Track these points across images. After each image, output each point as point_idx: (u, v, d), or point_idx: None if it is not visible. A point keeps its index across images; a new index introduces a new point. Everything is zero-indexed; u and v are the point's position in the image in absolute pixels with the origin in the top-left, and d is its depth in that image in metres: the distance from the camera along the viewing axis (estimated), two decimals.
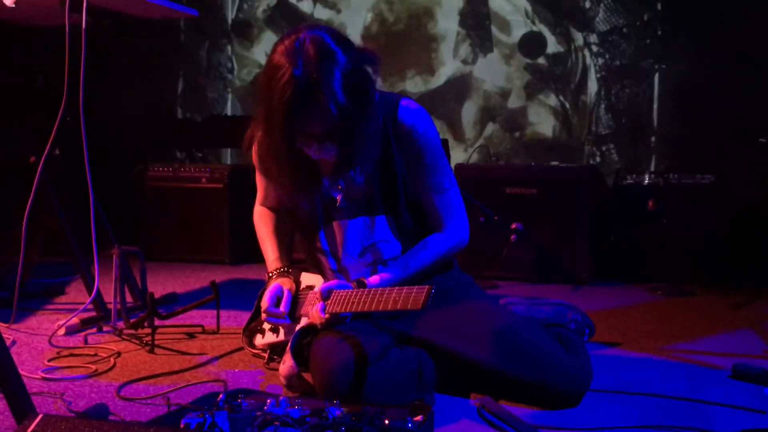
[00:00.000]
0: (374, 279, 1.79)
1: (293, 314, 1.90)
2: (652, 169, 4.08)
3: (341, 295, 1.71)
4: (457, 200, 1.89)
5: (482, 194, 3.45)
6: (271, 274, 1.97)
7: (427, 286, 1.57)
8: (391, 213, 1.86)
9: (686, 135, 3.95)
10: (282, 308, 1.87)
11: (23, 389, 1.47)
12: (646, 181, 3.53)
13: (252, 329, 2.07)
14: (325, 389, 1.65)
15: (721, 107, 3.89)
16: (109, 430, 1.21)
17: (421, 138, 1.81)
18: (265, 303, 1.88)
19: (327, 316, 1.73)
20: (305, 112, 1.60)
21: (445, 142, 4.20)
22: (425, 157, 1.83)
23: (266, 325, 2.00)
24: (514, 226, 3.47)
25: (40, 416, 1.26)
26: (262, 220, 2.09)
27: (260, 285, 2.06)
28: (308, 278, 1.96)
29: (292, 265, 2.02)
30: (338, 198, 1.86)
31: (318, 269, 1.95)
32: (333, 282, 1.78)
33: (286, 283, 1.92)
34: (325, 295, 1.74)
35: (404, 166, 1.83)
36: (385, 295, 1.62)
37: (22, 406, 1.44)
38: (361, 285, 1.76)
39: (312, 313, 1.74)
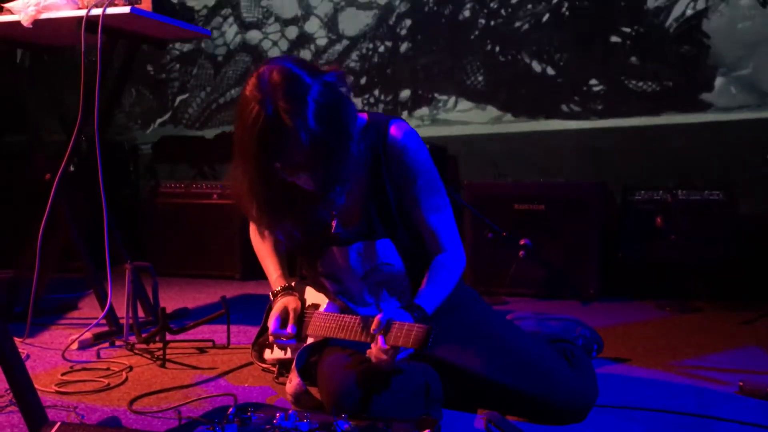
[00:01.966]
0: (421, 301, 1.73)
1: (299, 334, 1.92)
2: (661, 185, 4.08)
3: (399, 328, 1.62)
4: (452, 219, 1.88)
5: (491, 211, 3.47)
6: (275, 293, 1.97)
7: (426, 326, 1.55)
8: (390, 236, 1.84)
9: (695, 151, 3.96)
10: (288, 330, 1.86)
11: (38, 402, 1.50)
12: (655, 198, 3.54)
13: (261, 344, 2.09)
14: (333, 405, 1.66)
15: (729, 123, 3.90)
16: None
17: (412, 160, 1.79)
18: (271, 325, 1.88)
19: (389, 348, 1.61)
20: (277, 142, 1.58)
21: (453, 158, 4.25)
22: (419, 178, 1.81)
23: None
24: (522, 242, 3.48)
25: (57, 424, 1.29)
26: (261, 240, 2.07)
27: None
28: (312, 295, 1.97)
29: (300, 281, 2.04)
30: (333, 224, 1.85)
31: (321, 289, 1.97)
32: (389, 311, 1.68)
33: (291, 303, 1.91)
34: (385, 326, 1.62)
35: (397, 189, 1.81)
36: (405, 330, 1.57)
37: (36, 418, 1.47)
38: (419, 310, 1.69)
39: (375, 353, 1.63)
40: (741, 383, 2.00)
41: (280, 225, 1.80)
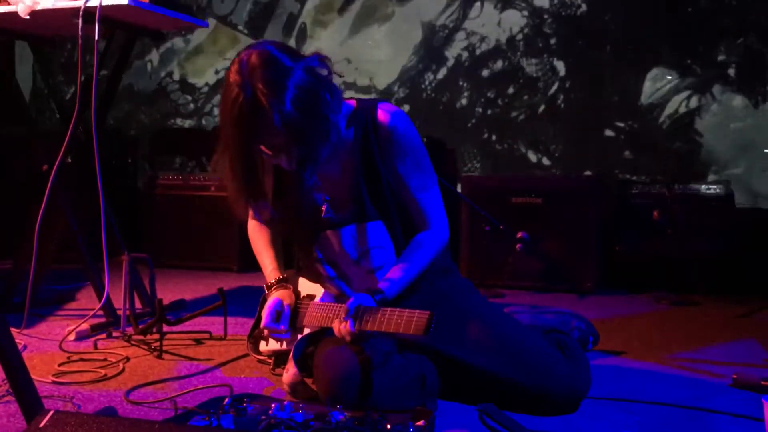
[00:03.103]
0: (384, 284, 1.78)
1: (294, 325, 1.92)
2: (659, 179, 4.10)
3: (365, 312, 1.68)
4: (440, 198, 1.91)
5: (488, 204, 3.47)
6: (269, 286, 1.97)
7: (428, 313, 1.58)
8: (382, 218, 1.87)
9: (693, 145, 3.97)
10: (281, 325, 1.87)
11: (35, 392, 1.51)
12: (652, 192, 3.55)
13: (256, 336, 2.10)
14: (330, 395, 1.67)
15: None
16: (116, 426, 1.25)
17: (401, 138, 1.82)
18: (264, 318, 1.88)
19: (357, 333, 1.69)
20: (254, 123, 1.61)
21: (451, 152, 4.25)
22: (408, 157, 1.83)
23: None
24: (519, 235, 3.49)
25: (51, 412, 1.30)
26: (257, 232, 2.08)
27: None
28: (306, 286, 1.97)
29: (295, 272, 2.04)
30: (323, 208, 1.87)
31: (317, 278, 1.97)
32: (356, 296, 1.74)
33: (285, 297, 1.91)
34: (353, 312, 1.70)
35: (388, 169, 1.84)
36: (405, 317, 1.61)
37: (33, 408, 1.48)
38: (378, 293, 1.75)
39: (341, 330, 1.71)
40: (734, 376, 2.01)
41: (263, 205, 1.84)
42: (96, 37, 2.41)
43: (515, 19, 4.25)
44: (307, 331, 1.89)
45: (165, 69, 5.04)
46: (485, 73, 4.32)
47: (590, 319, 2.37)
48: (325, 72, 1.69)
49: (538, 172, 4.24)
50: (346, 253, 1.88)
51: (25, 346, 2.36)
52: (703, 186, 3.50)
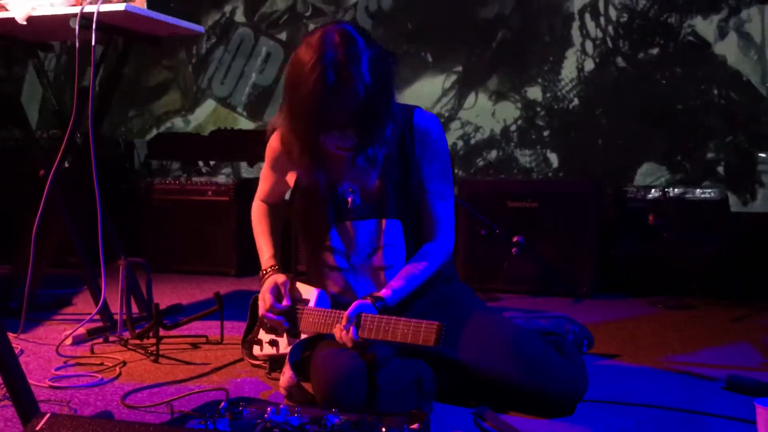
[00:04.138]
0: (386, 292, 1.81)
1: (293, 330, 1.93)
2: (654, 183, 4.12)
3: (369, 320, 1.70)
4: (452, 211, 1.94)
5: (484, 208, 3.48)
6: (266, 271, 2.03)
7: (437, 323, 1.61)
8: (400, 217, 1.89)
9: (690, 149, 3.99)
10: (285, 302, 1.93)
11: (31, 396, 1.51)
12: (648, 196, 3.56)
13: (250, 341, 2.11)
14: (333, 397, 1.67)
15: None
16: (112, 429, 1.26)
17: (435, 143, 1.88)
18: (268, 299, 1.92)
19: (360, 341, 1.72)
20: (334, 93, 1.65)
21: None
22: (436, 162, 1.89)
23: (264, 337, 2.03)
24: (515, 239, 3.49)
25: (47, 415, 1.31)
26: (261, 216, 2.15)
27: None
28: (303, 290, 1.98)
29: (296, 276, 2.06)
30: (349, 200, 1.90)
31: (321, 270, 1.96)
32: (356, 304, 1.76)
33: (280, 278, 1.97)
34: (355, 319, 1.72)
35: (416, 170, 1.88)
36: (412, 327, 1.64)
37: (29, 412, 1.49)
38: (379, 300, 1.77)
39: (343, 338, 1.73)
40: (727, 379, 2.03)
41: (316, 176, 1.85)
42: (93, 43, 2.43)
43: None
44: (303, 336, 1.90)
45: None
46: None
47: (585, 323, 2.38)
48: (392, 61, 1.75)
49: (534, 176, 4.26)
50: (360, 247, 1.90)
51: (22, 351, 2.36)
52: (698, 190, 3.52)
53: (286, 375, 1.83)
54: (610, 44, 4.06)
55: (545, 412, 1.77)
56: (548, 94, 4.19)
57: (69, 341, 2.45)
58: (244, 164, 4.81)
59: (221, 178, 4.37)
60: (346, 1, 4.59)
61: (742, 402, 1.89)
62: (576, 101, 4.15)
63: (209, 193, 4.11)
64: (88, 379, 2.08)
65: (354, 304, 1.76)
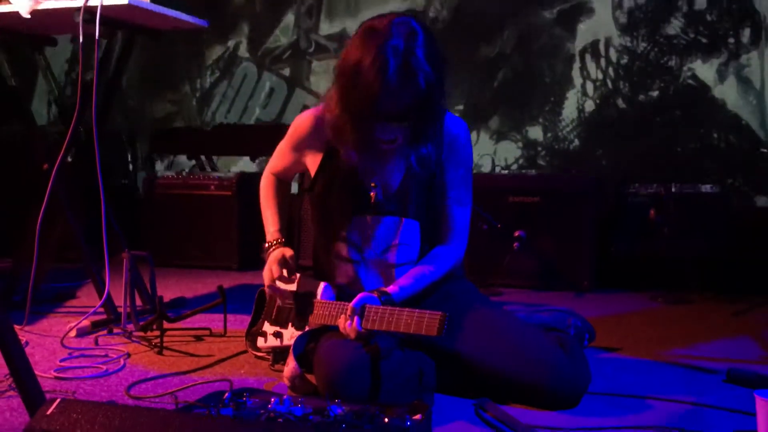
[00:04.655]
0: (393, 288, 1.82)
1: (301, 323, 1.94)
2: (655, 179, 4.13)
3: (374, 311, 1.72)
4: (468, 218, 1.96)
5: (486, 202, 3.49)
6: (271, 244, 2.03)
7: (440, 313, 1.62)
8: (419, 218, 1.91)
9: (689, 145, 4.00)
10: (293, 274, 1.95)
11: (37, 386, 1.53)
12: (648, 191, 3.57)
13: (254, 333, 2.12)
14: (334, 389, 1.68)
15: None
16: (121, 413, 1.28)
17: (462, 148, 1.90)
18: (275, 270, 1.94)
19: (364, 332, 1.74)
20: (396, 83, 1.65)
21: None
22: (461, 168, 1.91)
23: (268, 329, 2.05)
24: (516, 234, 3.51)
25: (57, 400, 1.33)
26: (270, 188, 2.14)
27: None
28: (308, 283, 1.99)
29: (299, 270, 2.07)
30: (373, 195, 1.90)
31: (331, 261, 1.96)
32: (361, 296, 1.78)
33: (287, 251, 1.98)
34: (359, 310, 1.74)
35: (441, 174, 1.90)
36: (415, 317, 1.66)
37: (36, 401, 1.50)
38: (385, 295, 1.79)
39: (346, 328, 1.75)
40: (728, 372, 2.04)
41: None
42: (96, 37, 2.43)
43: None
44: (307, 327, 1.92)
45: None
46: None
47: (586, 317, 2.38)
48: (445, 57, 1.77)
49: (535, 171, 4.27)
50: (376, 242, 1.91)
51: (26, 342, 2.38)
52: (699, 185, 3.53)
53: (290, 366, 1.85)
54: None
55: (548, 405, 1.79)
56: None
57: (73, 333, 2.47)
58: (246, 158, 4.83)
59: (223, 172, 4.38)
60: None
61: (742, 394, 1.90)
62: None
63: (212, 187, 4.12)
64: (92, 370, 2.10)
65: (359, 295, 1.77)
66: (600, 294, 3.43)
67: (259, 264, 2.77)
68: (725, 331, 2.71)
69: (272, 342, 2.04)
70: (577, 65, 4.14)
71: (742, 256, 3.41)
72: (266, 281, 1.99)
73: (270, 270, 1.97)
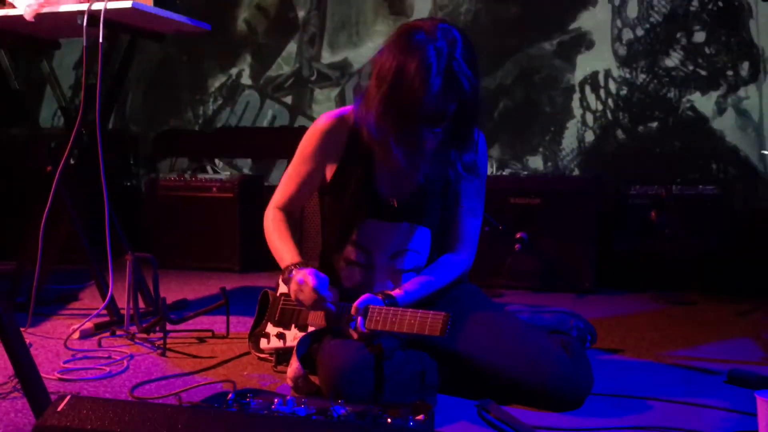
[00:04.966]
0: (398, 292, 1.83)
1: (302, 324, 1.96)
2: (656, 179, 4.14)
3: (377, 312, 1.73)
4: (479, 229, 1.97)
5: (487, 204, 3.48)
6: (294, 266, 1.86)
7: (444, 313, 1.64)
8: (431, 226, 1.91)
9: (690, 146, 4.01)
10: (333, 294, 1.83)
11: (43, 387, 1.54)
12: (650, 192, 3.58)
13: (257, 334, 2.13)
14: (337, 389, 1.69)
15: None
16: (131, 409, 1.30)
17: (479, 159, 1.89)
18: (311, 281, 1.78)
19: (367, 332, 1.75)
20: (444, 83, 1.66)
21: None
22: (478, 179, 1.91)
23: (271, 330, 2.06)
24: (518, 235, 3.52)
25: (68, 396, 1.35)
26: (279, 224, 2.00)
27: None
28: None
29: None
30: (389, 199, 1.89)
31: (339, 263, 1.95)
32: (365, 297, 1.78)
33: (319, 274, 1.85)
34: (363, 311, 1.75)
35: (457, 183, 1.90)
36: (419, 318, 1.67)
37: (41, 403, 1.51)
38: (389, 298, 1.79)
39: (351, 330, 1.76)
40: (729, 373, 2.05)
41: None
42: (100, 40, 2.45)
43: None
44: (311, 328, 1.93)
45: None
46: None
47: (588, 318, 2.39)
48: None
49: (536, 173, 4.29)
50: (385, 247, 1.91)
51: (30, 344, 2.37)
52: (700, 186, 3.54)
53: (293, 366, 1.86)
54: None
55: (551, 407, 1.79)
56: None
57: (77, 335, 2.48)
58: (248, 161, 4.84)
59: (225, 175, 4.40)
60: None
61: (743, 395, 1.91)
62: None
63: (213, 189, 4.14)
64: (96, 372, 2.11)
65: (363, 296, 1.78)
66: (601, 295, 3.44)
67: (259, 265, 2.78)
68: (726, 331, 2.72)
69: (275, 343, 2.05)
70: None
71: (743, 257, 3.42)
72: (307, 300, 1.81)
73: (306, 284, 1.79)
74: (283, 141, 4.64)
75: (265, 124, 4.79)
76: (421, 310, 1.68)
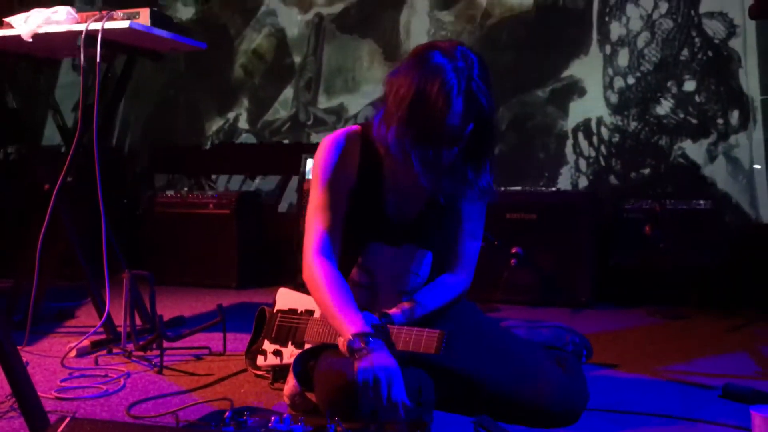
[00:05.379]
0: (395, 311, 1.83)
1: (299, 341, 1.96)
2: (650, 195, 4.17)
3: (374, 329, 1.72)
4: (478, 251, 1.97)
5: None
6: (364, 338, 1.65)
7: (439, 331, 1.64)
8: (434, 249, 1.92)
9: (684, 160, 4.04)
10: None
11: (40, 407, 1.55)
12: (644, 207, 3.61)
13: (254, 351, 2.14)
14: (334, 406, 1.68)
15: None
16: (129, 430, 1.29)
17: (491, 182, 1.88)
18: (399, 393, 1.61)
19: None
20: (465, 103, 1.66)
21: None
22: (479, 202, 1.92)
23: (268, 347, 2.06)
24: (514, 250, 3.53)
25: (68, 419, 1.35)
26: (332, 281, 1.79)
27: None
28: (307, 301, 2.01)
29: (298, 288, 2.07)
30: (394, 222, 1.88)
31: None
32: (362, 315, 1.76)
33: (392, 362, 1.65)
34: None
35: (459, 206, 1.90)
36: (414, 335, 1.68)
37: (38, 422, 1.52)
38: (386, 316, 1.80)
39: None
40: (724, 387, 2.06)
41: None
42: (98, 60, 2.47)
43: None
44: (307, 346, 1.93)
45: None
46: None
47: (584, 333, 2.40)
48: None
49: (532, 188, 4.31)
50: (388, 269, 1.90)
51: (27, 363, 2.38)
52: (693, 201, 3.56)
53: (290, 384, 1.86)
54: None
55: (547, 423, 1.80)
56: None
57: (73, 353, 2.48)
58: (244, 177, 4.86)
59: (222, 191, 4.41)
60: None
61: (738, 410, 1.92)
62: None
63: (211, 206, 4.15)
64: (93, 390, 2.11)
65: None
66: (597, 309, 3.46)
67: (257, 282, 2.74)
68: (721, 346, 2.73)
69: (272, 360, 2.06)
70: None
71: (737, 271, 3.44)
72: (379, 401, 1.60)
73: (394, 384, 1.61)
74: (283, 157, 4.69)
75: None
76: (416, 328, 1.69)
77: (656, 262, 3.49)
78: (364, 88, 4.62)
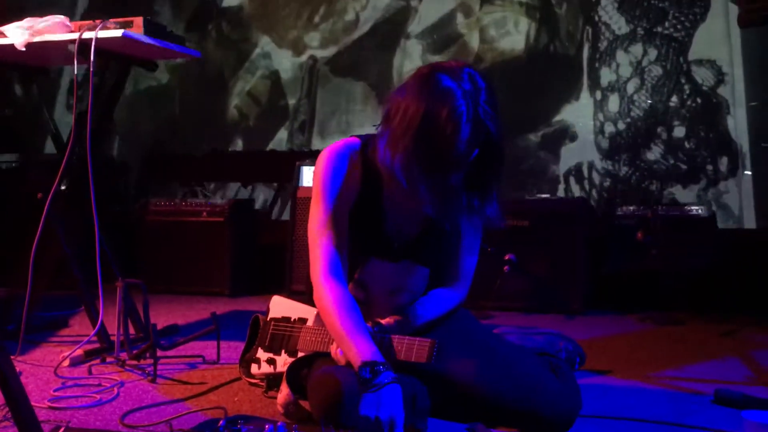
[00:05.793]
0: (388, 321, 1.84)
1: (292, 349, 1.96)
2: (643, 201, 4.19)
3: None
4: (475, 266, 1.98)
5: None
6: (375, 367, 1.65)
7: (430, 340, 1.65)
8: (431, 266, 1.92)
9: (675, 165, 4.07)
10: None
11: (34, 417, 1.54)
12: (636, 213, 3.63)
13: (248, 360, 2.14)
14: (328, 415, 1.68)
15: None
16: None
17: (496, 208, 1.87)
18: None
19: None
20: (472, 130, 1.64)
21: None
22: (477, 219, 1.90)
23: (262, 355, 2.06)
24: (507, 257, 3.54)
25: (62, 428, 1.34)
26: (342, 305, 1.77)
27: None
28: (300, 309, 2.02)
29: (291, 295, 2.08)
30: (393, 240, 1.87)
31: None
32: None
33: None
34: None
35: (456, 221, 1.88)
36: (405, 344, 1.70)
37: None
38: (379, 325, 1.81)
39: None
40: (715, 393, 2.07)
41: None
42: (91, 69, 2.47)
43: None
44: (300, 354, 1.94)
45: None
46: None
47: (577, 340, 2.42)
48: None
49: (525, 195, 4.33)
50: (384, 284, 1.91)
51: (20, 372, 2.37)
52: (686, 207, 3.59)
53: (284, 392, 1.87)
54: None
55: (539, 431, 1.80)
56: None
57: (66, 363, 2.47)
58: (238, 185, 4.87)
59: (215, 199, 4.41)
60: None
61: (730, 415, 1.93)
62: None
63: (204, 213, 4.15)
64: (86, 399, 2.10)
65: None
66: (591, 316, 3.47)
67: (250, 290, 2.73)
68: (713, 351, 2.75)
69: (266, 368, 2.06)
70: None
71: (729, 277, 3.46)
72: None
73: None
74: (277, 165, 4.70)
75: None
76: (408, 336, 1.69)
77: (649, 269, 3.51)
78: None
